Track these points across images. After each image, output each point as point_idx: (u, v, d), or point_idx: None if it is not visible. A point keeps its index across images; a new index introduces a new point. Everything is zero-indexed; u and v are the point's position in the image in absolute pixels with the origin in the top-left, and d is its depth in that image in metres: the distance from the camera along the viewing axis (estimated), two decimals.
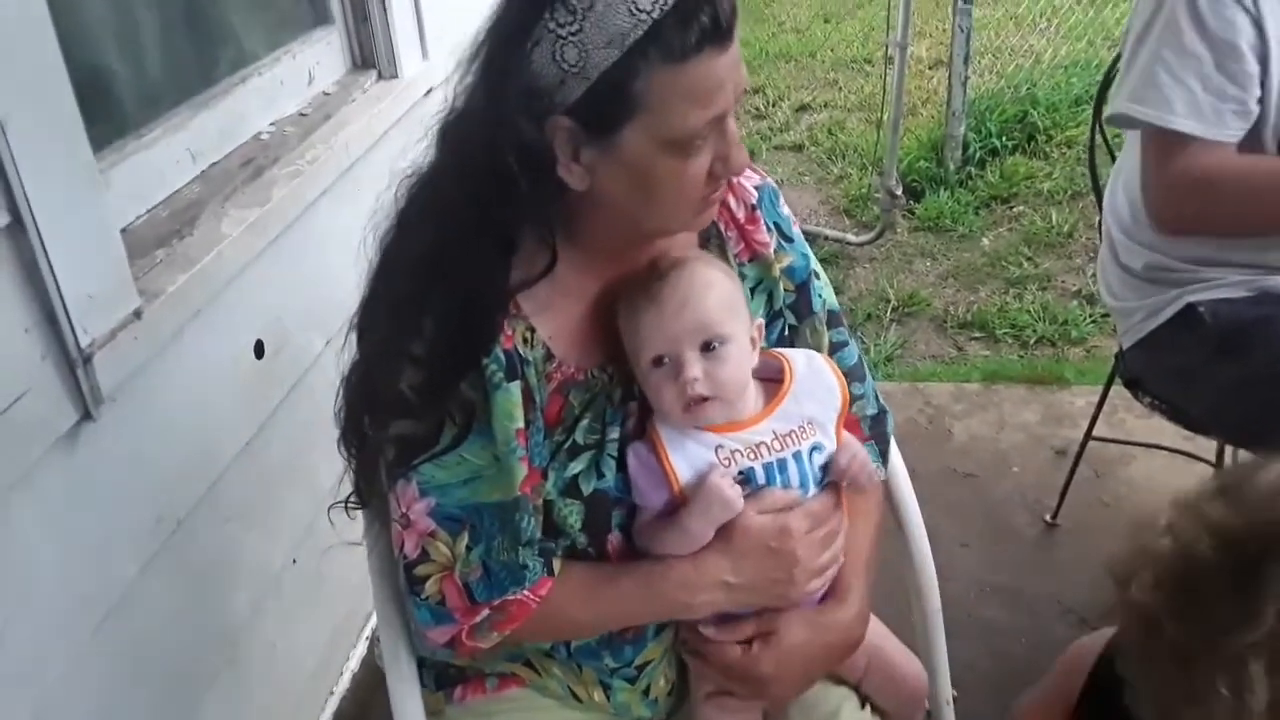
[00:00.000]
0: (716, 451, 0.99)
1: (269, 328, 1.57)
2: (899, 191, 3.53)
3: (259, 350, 1.55)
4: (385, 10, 1.97)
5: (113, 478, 1.23)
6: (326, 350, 1.74)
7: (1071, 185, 3.69)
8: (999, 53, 4.58)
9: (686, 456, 0.98)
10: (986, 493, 2.29)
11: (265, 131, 1.68)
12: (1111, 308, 1.76)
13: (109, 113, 1.36)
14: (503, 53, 0.88)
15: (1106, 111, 1.57)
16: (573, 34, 0.84)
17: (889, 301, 3.12)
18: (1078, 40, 4.62)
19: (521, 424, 0.95)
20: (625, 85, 0.85)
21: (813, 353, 1.08)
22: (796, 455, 1.01)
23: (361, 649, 1.92)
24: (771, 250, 1.09)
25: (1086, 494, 2.21)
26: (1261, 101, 1.43)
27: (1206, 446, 2.12)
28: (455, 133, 0.94)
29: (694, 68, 0.85)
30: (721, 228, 1.08)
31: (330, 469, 1.76)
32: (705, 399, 0.97)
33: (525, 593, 0.97)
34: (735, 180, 1.08)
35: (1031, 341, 2.90)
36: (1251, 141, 1.45)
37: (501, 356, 0.94)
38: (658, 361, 0.98)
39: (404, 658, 1.13)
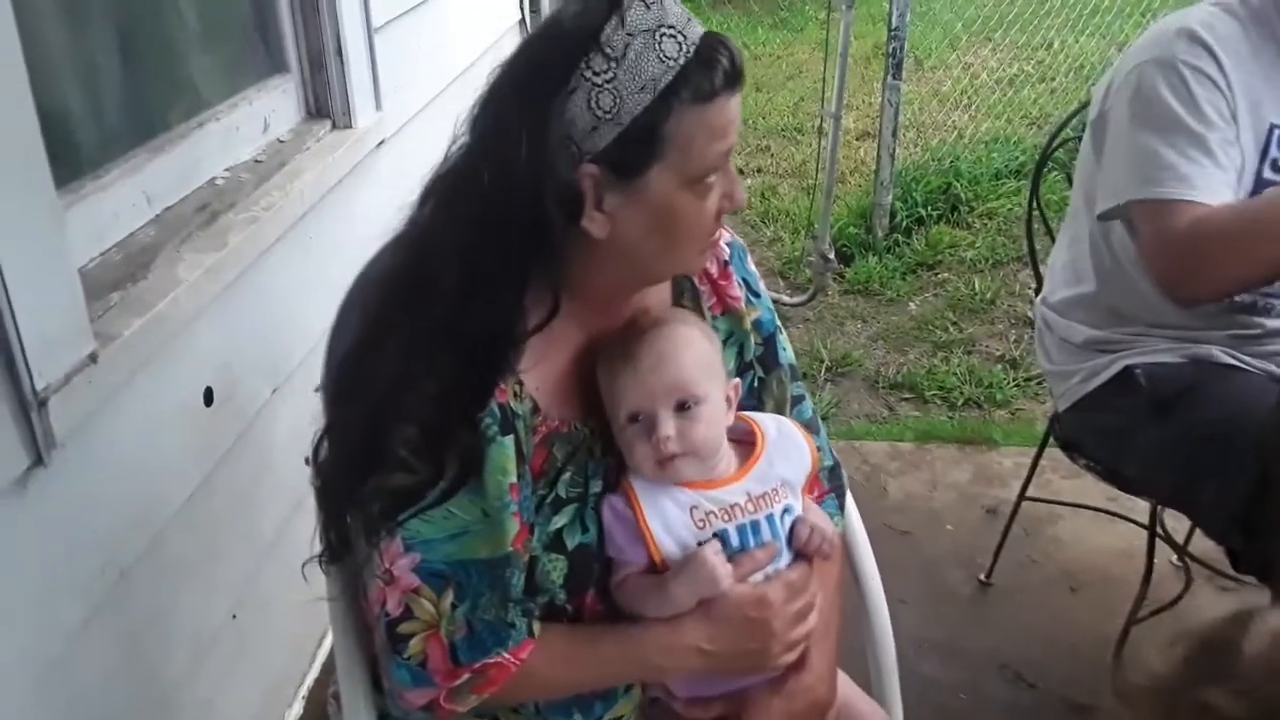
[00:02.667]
0: (691, 513, 1.00)
1: (219, 375, 1.54)
2: (831, 255, 3.64)
3: (208, 398, 1.52)
4: (341, 61, 1.98)
5: (61, 525, 1.19)
6: (273, 399, 1.71)
7: (994, 254, 3.85)
8: (923, 127, 4.78)
9: (663, 517, 0.99)
10: (922, 550, 2.34)
11: (220, 177, 1.67)
12: (1048, 371, 1.83)
13: (68, 153, 1.34)
14: (537, 100, 0.90)
15: (1106, 205, 1.56)
16: (608, 81, 0.88)
17: (823, 361, 3.19)
18: (997, 118, 4.85)
19: (514, 478, 0.95)
20: (656, 127, 0.90)
21: (780, 417, 1.12)
22: (769, 518, 1.02)
23: (298, 709, 1.86)
24: (742, 304, 1.13)
25: (1017, 552, 2.28)
26: None
27: (1130, 506, 2.21)
28: (459, 187, 0.94)
29: (717, 106, 0.91)
30: (695, 281, 1.11)
31: (272, 521, 1.74)
32: (676, 456, 0.98)
33: (506, 656, 0.96)
34: None
35: (959, 403, 2.99)
36: None
37: (496, 410, 0.95)
38: (633, 418, 0.99)
39: (364, 716, 1.10)
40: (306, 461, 1.30)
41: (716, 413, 1.01)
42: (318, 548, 1.13)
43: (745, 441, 1.06)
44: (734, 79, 0.92)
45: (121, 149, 1.47)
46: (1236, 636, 0.74)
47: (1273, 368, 1.61)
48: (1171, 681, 0.76)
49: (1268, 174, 1.52)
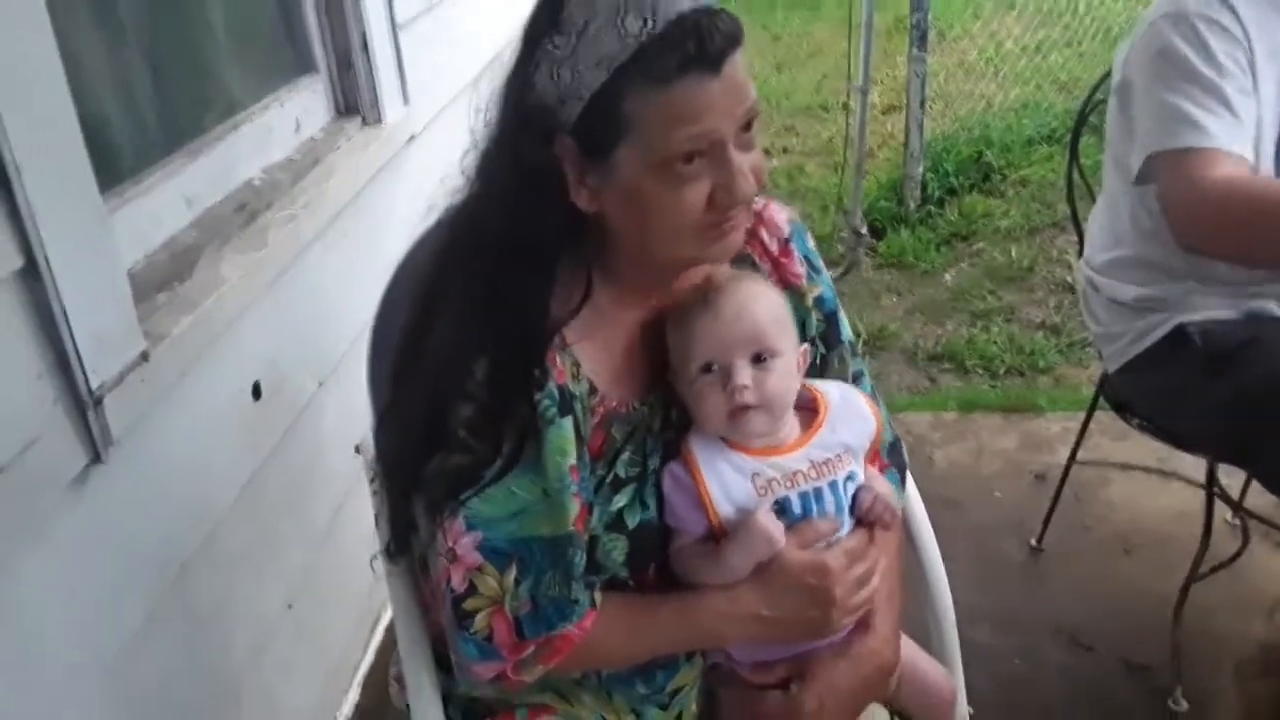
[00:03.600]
0: (753, 479, 0.99)
1: (266, 370, 1.56)
2: (864, 230, 3.61)
3: (256, 392, 1.54)
4: (368, 58, 2.00)
5: (120, 522, 1.21)
6: (321, 391, 1.74)
7: (1028, 222, 3.80)
8: (950, 98, 4.72)
9: (722, 483, 0.99)
10: (971, 519, 2.32)
11: (257, 177, 1.69)
12: (1096, 334, 1.81)
13: (109, 159, 1.36)
14: (512, 78, 0.92)
15: (1138, 165, 1.54)
16: (566, 55, 0.87)
17: (860, 335, 3.17)
18: (1025, 85, 4.78)
19: (574, 460, 0.95)
20: (615, 107, 0.87)
21: (844, 384, 1.11)
22: (832, 484, 1.02)
23: (355, 695, 1.88)
24: (804, 281, 1.12)
25: (1068, 517, 2.25)
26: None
27: (1181, 465, 2.19)
28: (479, 163, 0.96)
29: (677, 91, 0.86)
30: (756, 259, 1.11)
31: (324, 511, 1.77)
32: (749, 408, 0.98)
33: (571, 627, 0.97)
34: (767, 215, 1.11)
35: (1001, 372, 2.96)
36: None
37: (555, 391, 0.95)
38: (707, 368, 0.99)
39: (428, 696, 1.11)
40: (356, 451, 1.32)
41: (789, 368, 1.01)
42: (374, 539, 1.15)
43: (808, 409, 1.06)
44: (702, 61, 0.86)
45: (159, 154, 1.49)
46: None
47: None
48: None
49: None
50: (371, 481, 1.20)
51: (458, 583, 0.96)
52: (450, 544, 0.96)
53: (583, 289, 0.97)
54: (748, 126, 0.92)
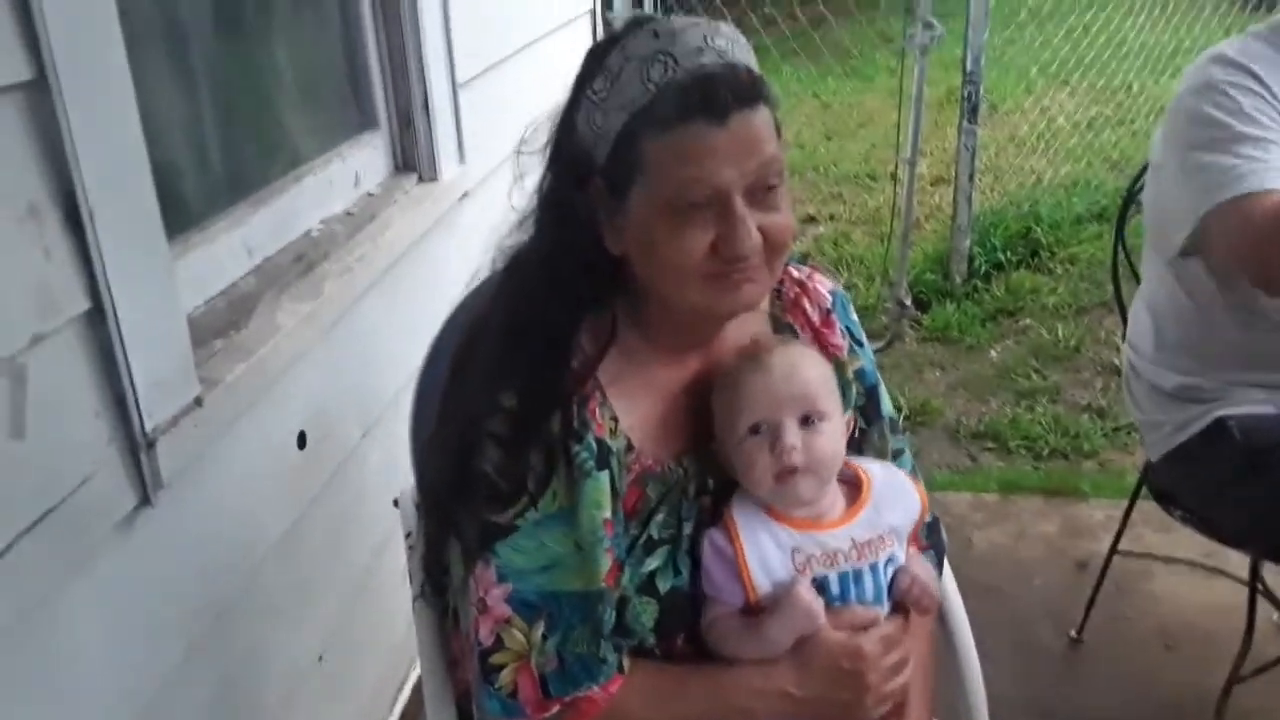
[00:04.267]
0: (792, 555, 0.99)
1: (313, 418, 1.58)
2: (908, 302, 3.60)
3: (302, 441, 1.56)
4: (428, 117, 2.05)
5: (164, 564, 1.23)
6: (364, 441, 1.76)
7: (1076, 300, 3.77)
8: (1000, 172, 4.73)
9: (761, 555, 0.99)
10: (1009, 606, 2.27)
11: (315, 229, 1.73)
12: (1139, 421, 1.79)
13: (177, 206, 1.40)
14: (561, 124, 0.98)
15: (1184, 230, 1.52)
16: (602, 99, 0.93)
17: (901, 410, 3.14)
18: (1076, 161, 4.78)
19: (609, 513, 0.96)
20: (632, 148, 0.92)
21: (887, 463, 1.11)
22: (873, 567, 1.01)
23: None
24: (845, 353, 1.12)
25: (1109, 608, 2.20)
26: None
27: (1227, 560, 2.13)
28: (535, 208, 1.01)
29: (684, 133, 0.90)
30: (797, 329, 1.12)
31: (360, 563, 1.77)
32: (796, 470, 0.98)
33: (597, 690, 0.97)
34: (811, 285, 1.12)
35: (1044, 453, 2.92)
36: None
37: (594, 444, 0.97)
38: (755, 429, 0.99)
39: None
40: (395, 504, 1.34)
41: (837, 433, 1.02)
42: (408, 594, 1.16)
43: (851, 484, 1.05)
44: (707, 110, 0.89)
45: (225, 203, 1.53)
46: None
47: None
48: None
49: None
50: (408, 536, 1.21)
51: (485, 635, 0.97)
52: (481, 594, 0.97)
53: (608, 332, 1.00)
54: (769, 187, 0.93)
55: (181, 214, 1.42)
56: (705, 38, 0.92)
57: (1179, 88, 1.60)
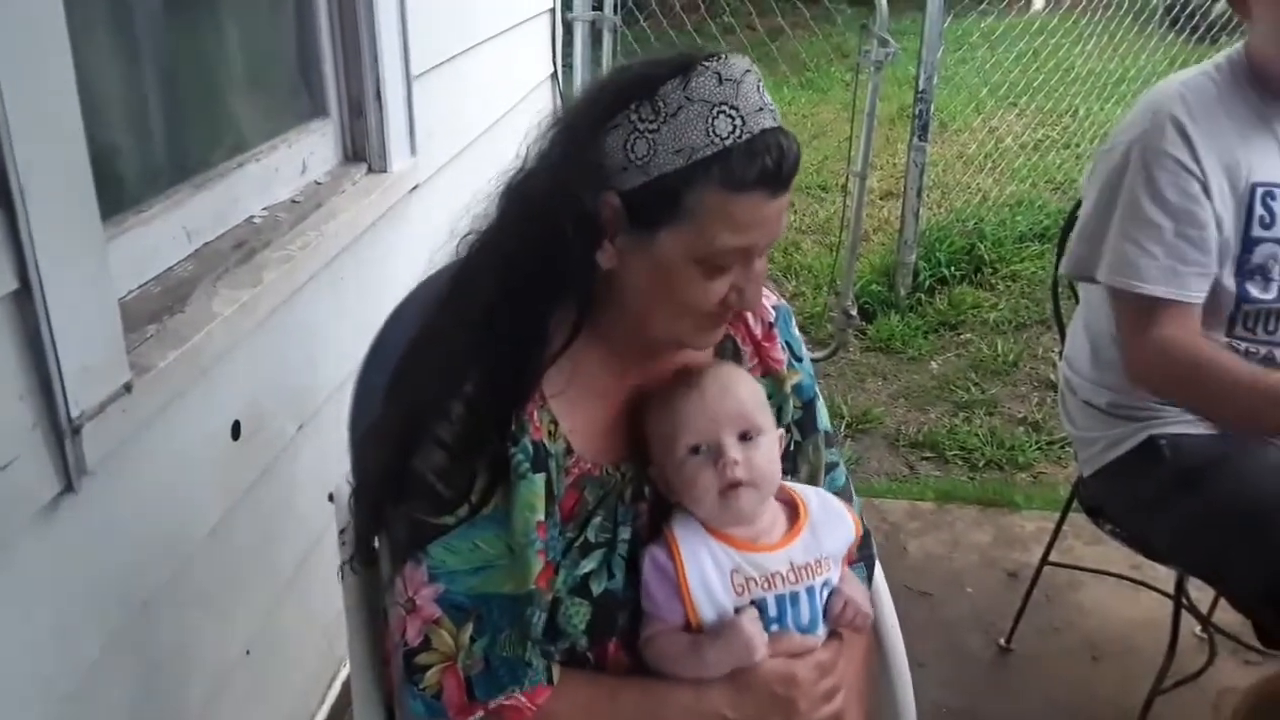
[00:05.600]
0: (731, 577, 1.00)
1: (247, 409, 1.55)
2: (854, 312, 3.65)
3: (235, 431, 1.53)
4: (380, 107, 2.02)
5: (87, 553, 1.19)
6: (299, 435, 1.73)
7: (1016, 316, 3.84)
8: (947, 188, 4.81)
9: (702, 576, 0.99)
10: (941, 612, 2.31)
11: (258, 215, 1.70)
12: (1073, 436, 1.82)
13: (113, 187, 1.37)
14: (584, 125, 0.95)
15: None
16: (650, 131, 0.90)
17: (843, 418, 3.18)
18: (1021, 181, 4.88)
19: (542, 516, 0.96)
20: (678, 194, 0.91)
21: (819, 489, 1.12)
22: (810, 590, 1.02)
23: None
24: (784, 367, 1.13)
25: (1038, 618, 2.24)
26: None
27: (1154, 575, 2.18)
28: (521, 190, 0.99)
29: (744, 200, 0.91)
30: (738, 341, 1.12)
31: (291, 558, 1.74)
32: (740, 484, 0.99)
33: (522, 698, 0.96)
34: None
35: (981, 464, 2.97)
36: (1212, 288, 1.54)
37: (530, 447, 0.96)
38: (694, 450, 1.00)
39: None
40: (330, 499, 1.31)
41: (774, 447, 1.04)
42: (339, 592, 1.14)
43: (788, 506, 1.06)
44: (775, 180, 0.91)
45: (164, 185, 1.50)
46: None
47: None
48: None
49: (1256, 231, 1.54)
50: (342, 533, 1.19)
51: (412, 635, 0.96)
52: (410, 593, 0.96)
53: (565, 338, 0.98)
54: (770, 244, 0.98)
55: (118, 195, 1.38)
56: (759, 90, 0.92)
57: (1122, 122, 1.64)
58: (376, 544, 1.06)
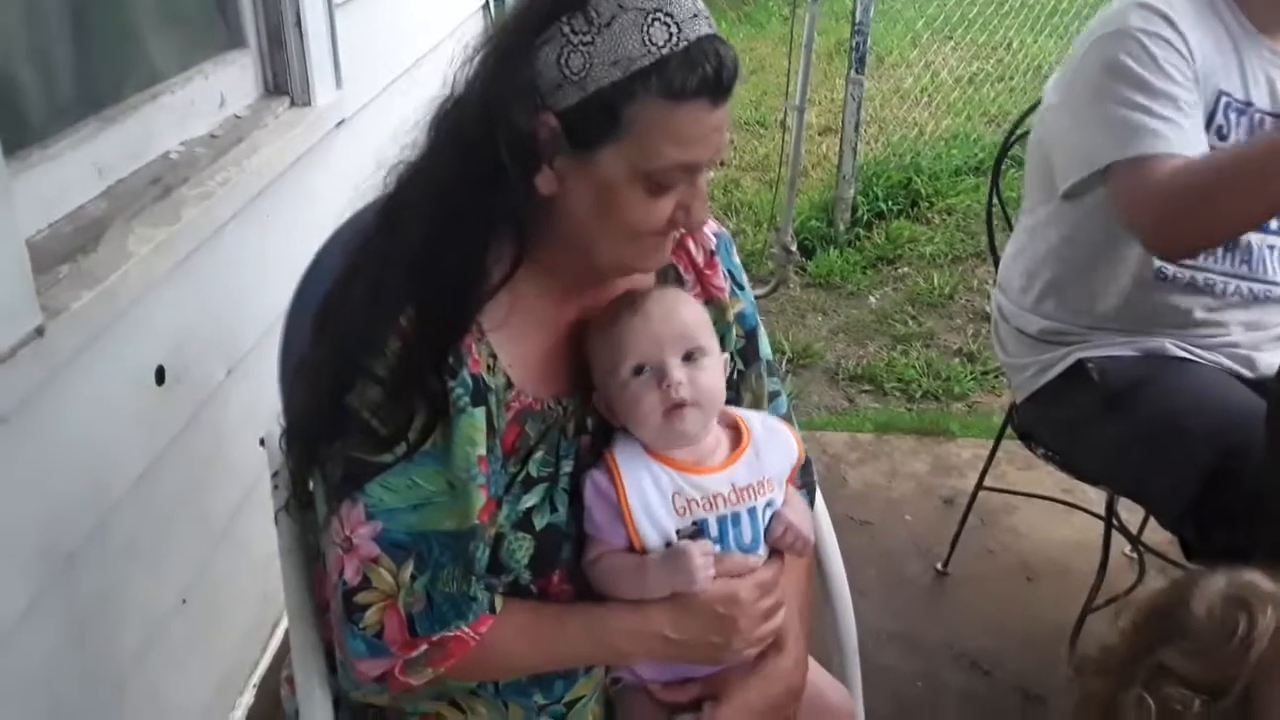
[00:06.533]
0: (673, 499, 0.99)
1: (172, 354, 1.50)
2: (793, 248, 3.65)
3: (160, 376, 1.47)
4: (301, 37, 1.94)
5: (4, 504, 1.14)
6: (228, 380, 1.67)
7: (952, 250, 3.88)
8: (885, 123, 4.80)
9: (644, 499, 0.98)
10: (881, 540, 2.35)
11: (175, 151, 1.62)
12: (1005, 363, 1.85)
13: (16, 121, 1.29)
14: (514, 42, 0.90)
15: (1080, 173, 1.55)
16: (584, 43, 0.86)
17: (784, 353, 3.20)
18: (957, 115, 4.89)
19: (483, 450, 0.94)
20: (617, 108, 0.87)
21: (763, 413, 1.11)
22: (751, 511, 1.02)
23: (249, 698, 1.82)
24: (726, 295, 1.12)
25: (974, 542, 2.29)
26: None
27: (1085, 497, 2.25)
28: (453, 115, 0.94)
29: (685, 110, 0.88)
30: (680, 269, 1.10)
31: (225, 506, 1.70)
32: (685, 404, 0.97)
33: (465, 629, 0.95)
34: None
35: (918, 395, 3.01)
36: None
37: (469, 380, 0.93)
38: (638, 370, 0.98)
39: (319, 698, 1.08)
40: (261, 443, 1.28)
41: (718, 368, 1.03)
42: (275, 537, 1.12)
43: (731, 429, 1.06)
44: (716, 89, 0.88)
45: (71, 119, 1.42)
46: (1184, 598, 0.73)
47: (1224, 360, 1.63)
48: (1123, 650, 0.76)
49: (1213, 139, 1.54)
50: (274, 476, 1.16)
51: (350, 575, 0.94)
52: (347, 533, 0.94)
53: (505, 271, 0.95)
54: (714, 159, 0.95)
55: (21, 129, 1.31)
56: None
57: (1091, 27, 1.60)
58: (311, 486, 1.02)
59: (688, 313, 1.02)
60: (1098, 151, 1.51)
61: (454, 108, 0.94)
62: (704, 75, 0.87)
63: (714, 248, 1.13)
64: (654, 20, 0.86)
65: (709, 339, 1.02)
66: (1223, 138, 1.54)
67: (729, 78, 0.89)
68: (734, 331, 1.13)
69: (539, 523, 0.99)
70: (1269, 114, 1.57)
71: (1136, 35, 1.50)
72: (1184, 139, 1.46)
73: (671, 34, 0.86)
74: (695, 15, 0.88)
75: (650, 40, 0.86)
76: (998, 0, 5.17)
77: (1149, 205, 1.47)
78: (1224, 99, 1.54)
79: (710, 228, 1.13)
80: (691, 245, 1.11)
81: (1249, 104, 1.56)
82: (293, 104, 1.95)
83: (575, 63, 0.87)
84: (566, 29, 0.87)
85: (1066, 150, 1.61)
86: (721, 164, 4.79)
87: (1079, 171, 1.55)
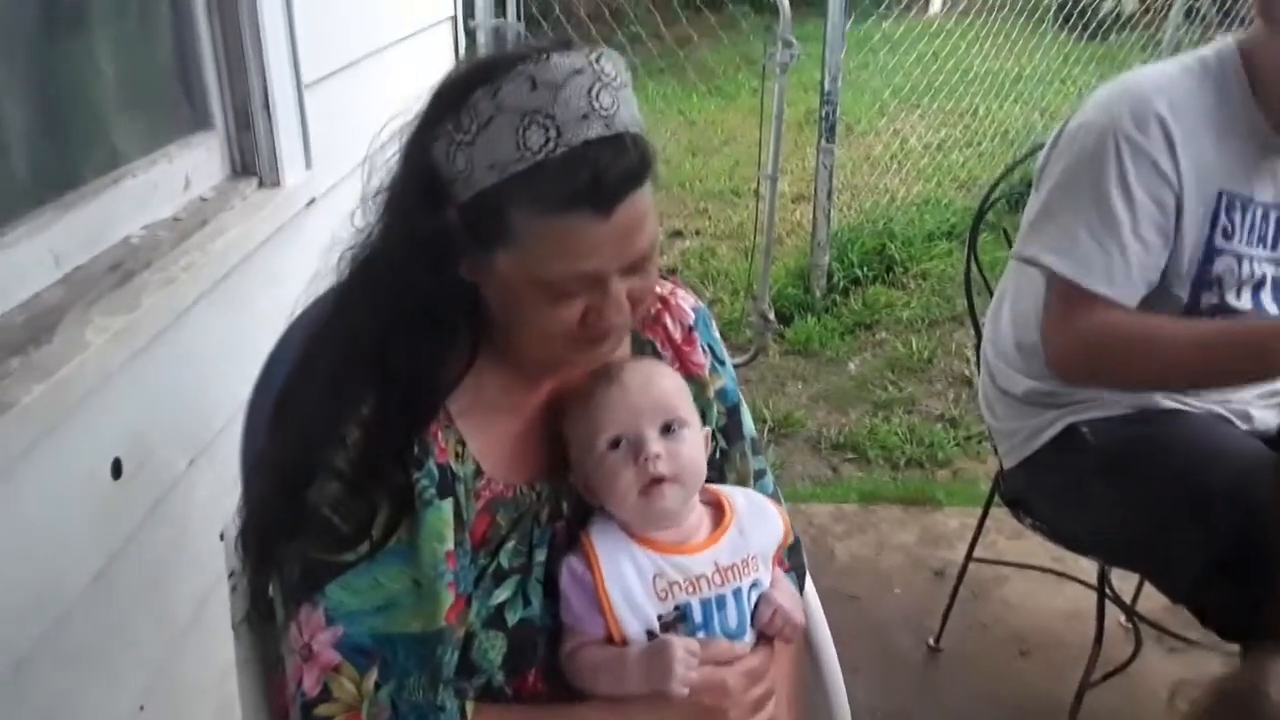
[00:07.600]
0: (654, 582, 0.94)
1: (129, 445, 1.43)
2: (771, 316, 3.64)
3: (116, 469, 1.41)
4: (269, 118, 1.92)
5: None
6: (190, 470, 1.61)
7: (929, 314, 3.89)
8: (857, 190, 4.86)
9: (623, 584, 0.93)
10: (870, 615, 2.29)
11: (136, 235, 1.58)
12: (993, 429, 1.81)
13: None
14: (414, 139, 0.88)
15: (1019, 249, 1.58)
16: (466, 143, 0.83)
17: (765, 421, 3.16)
18: (927, 181, 4.95)
19: (451, 545, 0.89)
20: (501, 212, 0.83)
21: (746, 489, 1.07)
22: (736, 592, 0.97)
23: None
24: (706, 371, 1.08)
25: (966, 616, 2.24)
26: (1172, 258, 1.51)
27: (1076, 566, 2.20)
28: (378, 207, 0.92)
29: (566, 222, 0.82)
30: (657, 345, 1.07)
31: (186, 602, 1.62)
32: (663, 480, 0.93)
33: None
34: (673, 302, 1.08)
35: (901, 463, 2.98)
36: (1162, 294, 1.52)
37: (435, 470, 0.89)
38: (615, 443, 0.94)
39: None
40: (221, 537, 1.22)
41: (699, 441, 0.98)
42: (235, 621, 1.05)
43: (714, 507, 1.01)
44: (593, 200, 0.81)
45: (27, 206, 1.38)
46: (1258, 685, 0.71)
47: (1214, 407, 1.60)
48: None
49: (1219, 241, 1.52)
50: (231, 575, 1.10)
51: (310, 685, 0.88)
52: (306, 639, 0.88)
53: (465, 357, 0.92)
54: (644, 259, 0.89)
55: None
56: (590, 94, 0.81)
57: (1097, 96, 1.57)
58: (270, 592, 0.96)
59: (666, 382, 0.99)
60: (1044, 250, 1.53)
61: (377, 200, 0.92)
62: (576, 187, 0.81)
63: (692, 323, 1.10)
64: (531, 123, 0.81)
65: (688, 411, 0.99)
66: (1227, 237, 1.52)
67: (610, 188, 0.82)
68: (715, 408, 1.09)
69: (511, 619, 0.94)
70: (1272, 206, 1.55)
71: (1119, 143, 1.47)
72: (1126, 280, 1.47)
73: (549, 138, 0.81)
74: (585, 117, 0.81)
75: (525, 144, 0.81)
76: (962, 70, 5.28)
77: (1067, 342, 1.52)
78: (1225, 197, 1.52)
79: (688, 302, 1.10)
80: (669, 321, 1.08)
81: (1251, 199, 1.54)
82: (261, 185, 1.92)
83: (459, 162, 0.84)
84: (450, 127, 0.84)
85: (1026, 223, 1.62)
86: (697, 232, 4.81)
87: (1026, 248, 1.57)
